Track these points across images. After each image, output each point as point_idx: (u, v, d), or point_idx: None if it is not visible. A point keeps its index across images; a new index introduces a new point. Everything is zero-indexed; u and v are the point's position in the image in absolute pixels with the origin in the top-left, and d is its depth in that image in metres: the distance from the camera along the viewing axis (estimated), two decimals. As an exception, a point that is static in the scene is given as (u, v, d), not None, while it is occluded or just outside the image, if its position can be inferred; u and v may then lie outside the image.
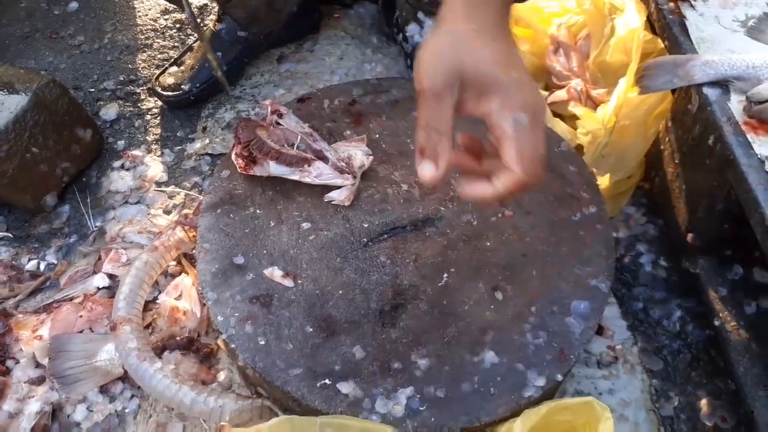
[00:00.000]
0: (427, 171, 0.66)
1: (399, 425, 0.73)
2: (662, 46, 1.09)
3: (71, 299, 1.06)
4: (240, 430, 0.72)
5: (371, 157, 0.97)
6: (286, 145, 0.95)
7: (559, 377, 0.77)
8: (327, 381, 0.77)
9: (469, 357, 0.79)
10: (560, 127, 1.16)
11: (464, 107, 0.65)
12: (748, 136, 0.85)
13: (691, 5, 1.05)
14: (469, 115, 0.66)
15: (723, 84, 0.92)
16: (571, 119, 1.21)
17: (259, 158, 0.93)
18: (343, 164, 0.93)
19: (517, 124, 0.62)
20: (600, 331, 1.00)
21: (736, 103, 0.89)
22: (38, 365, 1.00)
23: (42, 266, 1.14)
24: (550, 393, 0.80)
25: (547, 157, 0.92)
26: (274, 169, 0.94)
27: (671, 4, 1.06)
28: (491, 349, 0.79)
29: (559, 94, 1.24)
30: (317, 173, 0.93)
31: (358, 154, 0.96)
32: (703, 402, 0.92)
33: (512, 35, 0.68)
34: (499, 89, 0.63)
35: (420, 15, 1.33)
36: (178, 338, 0.99)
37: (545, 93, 1.25)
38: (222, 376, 0.98)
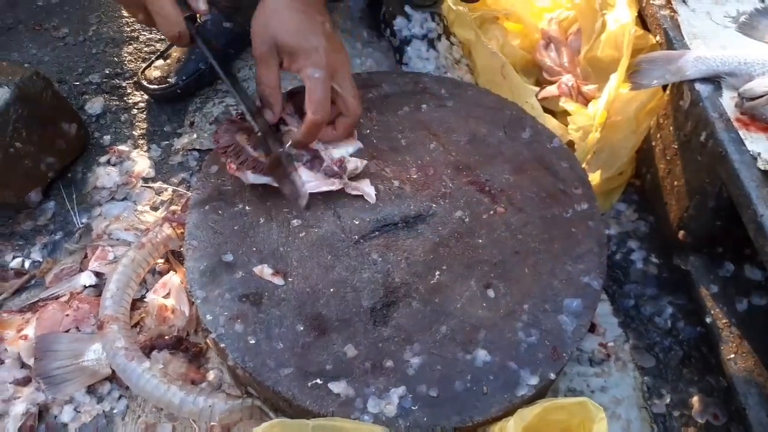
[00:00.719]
0: (267, 116, 0.91)
1: (391, 425, 0.72)
2: (654, 41, 1.09)
3: (57, 298, 1.04)
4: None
5: (365, 161, 0.95)
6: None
7: (552, 376, 0.76)
8: (318, 381, 0.76)
9: (461, 355, 0.78)
10: (551, 122, 1.16)
11: (285, 66, 0.89)
12: (740, 133, 0.84)
13: (683, 1, 1.05)
14: (290, 71, 0.89)
15: (715, 80, 0.92)
16: (562, 115, 1.21)
17: (239, 169, 0.90)
18: (336, 167, 0.91)
19: (310, 77, 0.85)
20: (592, 328, 1.00)
21: (728, 100, 0.89)
22: (24, 365, 0.98)
23: (27, 264, 1.12)
24: (543, 392, 0.79)
25: (539, 153, 0.94)
26: (253, 179, 0.91)
27: (663, 0, 1.06)
28: (484, 347, 0.78)
29: (550, 90, 1.24)
30: (301, 183, 0.91)
31: (351, 158, 0.94)
32: (695, 399, 0.93)
33: (322, 5, 0.90)
34: (301, 52, 0.86)
35: (407, 8, 1.31)
36: (166, 337, 0.98)
37: (536, 89, 1.25)
38: (212, 375, 0.96)
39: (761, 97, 0.84)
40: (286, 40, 0.86)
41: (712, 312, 0.91)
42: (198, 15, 0.93)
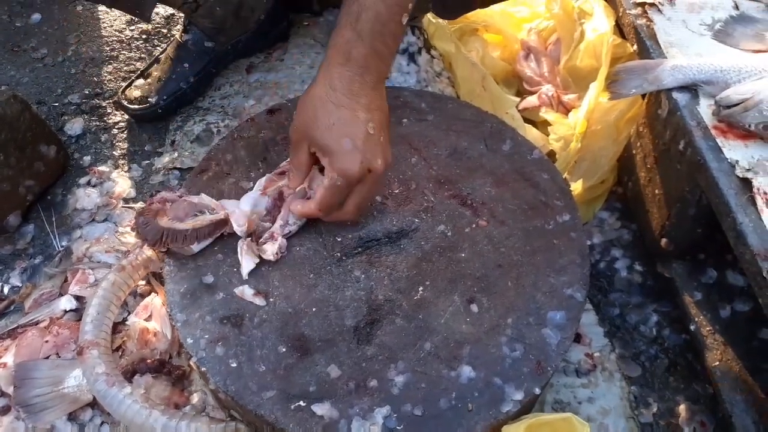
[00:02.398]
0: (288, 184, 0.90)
1: (376, 446, 0.72)
2: (631, 50, 1.09)
3: (37, 323, 1.03)
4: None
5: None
6: (197, 213, 0.89)
7: (537, 390, 0.76)
8: (301, 403, 0.75)
9: (446, 372, 0.77)
10: (532, 133, 1.16)
11: (318, 156, 0.84)
12: (718, 141, 0.85)
13: (659, 10, 1.05)
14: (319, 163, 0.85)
15: (692, 88, 0.92)
16: (543, 125, 1.21)
17: (180, 248, 0.88)
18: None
19: (331, 180, 0.81)
20: (578, 338, 0.99)
21: (705, 108, 0.90)
22: (3, 394, 0.96)
23: (6, 289, 1.10)
24: (528, 406, 0.79)
25: (520, 165, 0.93)
26: (197, 248, 0.88)
27: (639, 9, 1.07)
28: (468, 363, 0.78)
29: (531, 100, 1.24)
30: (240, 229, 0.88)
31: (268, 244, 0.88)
32: (682, 407, 0.92)
33: (374, 99, 0.82)
34: (329, 154, 0.81)
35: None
36: (148, 361, 0.96)
37: (517, 99, 1.25)
38: (195, 398, 0.95)
39: (737, 104, 0.85)
40: (316, 137, 0.81)
41: (696, 319, 0.91)
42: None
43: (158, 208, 0.89)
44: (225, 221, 0.88)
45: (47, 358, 0.98)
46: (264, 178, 0.93)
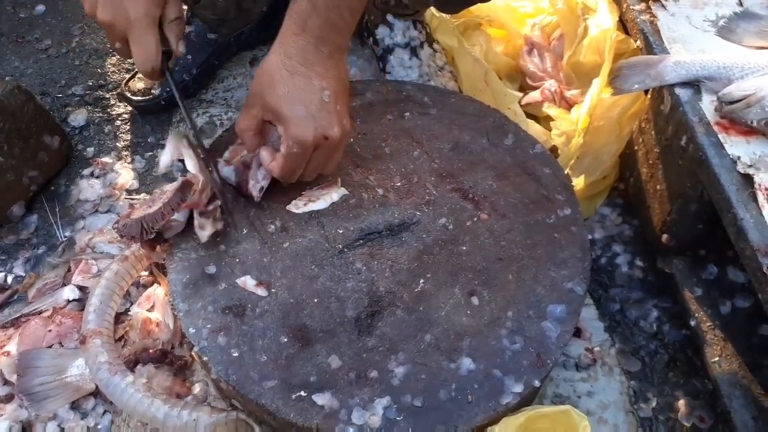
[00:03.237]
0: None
1: (377, 438, 0.72)
2: (635, 45, 1.09)
3: (40, 313, 1.03)
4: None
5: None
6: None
7: (537, 383, 0.76)
8: (302, 393, 0.76)
9: (446, 364, 0.78)
10: (534, 128, 1.16)
11: (273, 123, 0.85)
12: (720, 137, 0.85)
13: (663, 5, 1.05)
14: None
15: (695, 84, 0.92)
16: (546, 120, 1.21)
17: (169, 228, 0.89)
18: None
19: (289, 148, 0.82)
20: (578, 333, 1.00)
21: (707, 104, 0.90)
22: (6, 382, 0.96)
23: (9, 279, 1.11)
24: (528, 399, 0.79)
25: (522, 160, 0.93)
26: (205, 234, 0.88)
27: (642, 5, 1.06)
28: (468, 355, 0.78)
29: (534, 95, 1.25)
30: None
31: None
32: (681, 402, 0.92)
33: (329, 67, 0.83)
34: (283, 122, 0.82)
35: (389, 17, 1.31)
36: (151, 351, 0.97)
37: (520, 94, 1.25)
38: (197, 388, 0.96)
39: (740, 101, 0.85)
40: (271, 104, 0.82)
41: (697, 315, 0.92)
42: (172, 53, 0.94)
43: (130, 211, 0.93)
44: (189, 183, 0.89)
45: (50, 347, 0.98)
46: (228, 150, 0.97)
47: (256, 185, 0.91)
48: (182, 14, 0.93)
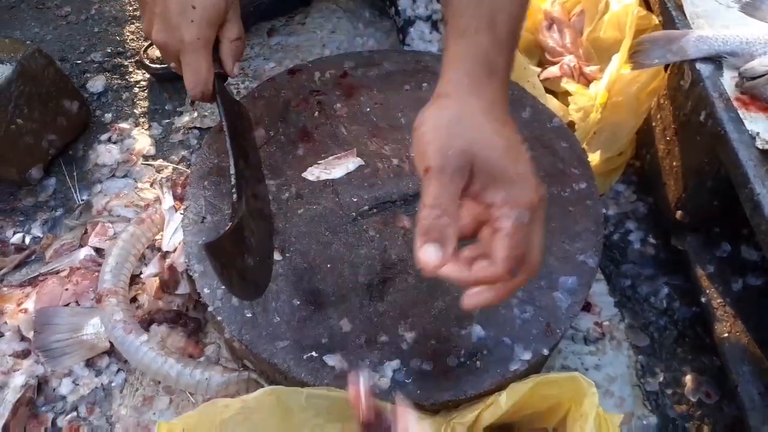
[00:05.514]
0: (431, 255, 0.58)
1: (385, 398, 0.73)
2: (656, 21, 1.08)
3: (57, 273, 1.05)
4: (226, 400, 0.72)
5: None
6: None
7: (546, 351, 0.77)
8: (313, 353, 0.77)
9: (456, 330, 0.79)
10: (552, 103, 1.15)
11: (468, 191, 0.60)
12: (740, 112, 0.84)
13: (686, -20, 1.03)
14: (471, 199, 0.61)
15: (716, 60, 0.91)
16: (564, 95, 1.20)
17: None
18: None
19: (518, 222, 0.58)
20: (587, 307, 1.00)
21: (728, 79, 0.88)
22: (23, 338, 0.99)
23: (27, 239, 1.13)
24: (536, 367, 0.80)
25: (539, 133, 0.91)
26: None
27: (666, -21, 1.05)
28: (478, 323, 0.79)
29: (552, 71, 1.23)
30: None
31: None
32: (688, 377, 0.93)
33: (513, 120, 0.65)
34: (507, 183, 0.59)
35: (412, -13, 1.31)
36: (165, 312, 0.98)
37: (538, 69, 1.24)
38: (210, 350, 0.97)
39: (762, 76, 0.84)
40: (491, 160, 0.58)
41: (708, 292, 0.91)
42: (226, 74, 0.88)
43: None
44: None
45: (67, 305, 1.00)
46: None
47: None
48: (243, 35, 0.88)
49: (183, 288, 0.98)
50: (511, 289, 0.61)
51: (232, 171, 0.77)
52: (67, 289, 1.01)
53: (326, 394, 0.71)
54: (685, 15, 0.99)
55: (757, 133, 0.81)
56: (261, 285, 0.78)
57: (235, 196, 0.76)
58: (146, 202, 1.14)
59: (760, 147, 0.80)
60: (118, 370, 0.97)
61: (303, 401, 0.72)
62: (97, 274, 1.02)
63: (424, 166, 0.60)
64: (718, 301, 0.90)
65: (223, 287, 0.81)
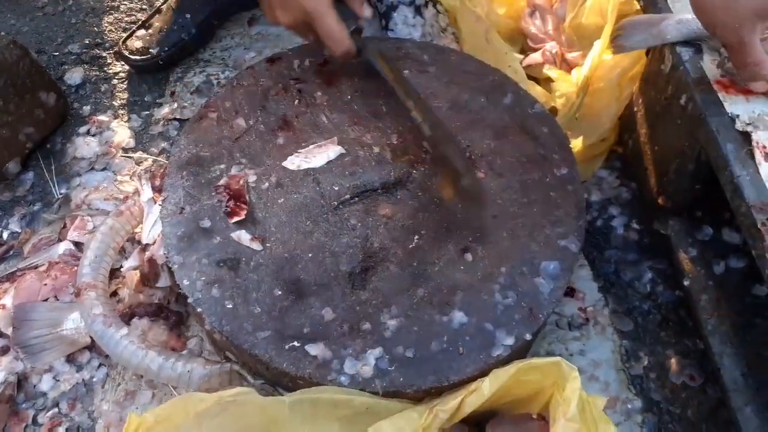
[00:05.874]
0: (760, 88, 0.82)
1: (368, 385, 0.73)
2: (638, 7, 1.07)
3: (35, 267, 1.03)
4: (201, 395, 0.71)
5: None
6: None
7: (528, 336, 0.77)
8: (295, 343, 0.76)
9: (438, 317, 0.78)
10: (535, 90, 1.15)
11: None
12: (720, 95, 0.84)
13: (666, -36, 1.03)
14: None
15: (696, 43, 0.91)
16: (546, 82, 1.20)
17: None
18: None
19: None
20: (571, 293, 1.00)
21: (708, 62, 0.88)
22: (2, 335, 0.97)
23: (5, 235, 1.11)
24: (520, 352, 0.79)
25: (520, 119, 0.91)
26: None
27: (646, -37, 1.04)
28: (460, 309, 0.78)
29: (534, 57, 1.23)
30: None
31: None
32: (672, 361, 0.93)
33: None
34: None
35: (392, -27, 1.29)
36: (146, 305, 0.97)
37: (520, 56, 1.24)
38: (192, 343, 0.96)
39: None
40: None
41: (690, 275, 0.91)
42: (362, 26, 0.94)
43: None
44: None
45: (46, 300, 0.99)
46: None
47: None
48: None
49: (164, 281, 0.97)
50: None
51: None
52: (45, 284, 1.00)
53: (310, 398, 0.70)
54: (665, -1, 0.98)
55: (737, 116, 0.81)
56: None
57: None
58: (125, 195, 1.12)
59: (740, 129, 0.80)
60: (100, 365, 0.96)
61: (287, 411, 0.71)
62: (76, 268, 1.01)
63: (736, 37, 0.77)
64: (701, 284, 0.90)
65: (203, 279, 0.81)
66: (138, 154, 1.21)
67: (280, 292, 0.80)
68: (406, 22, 1.28)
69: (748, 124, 0.80)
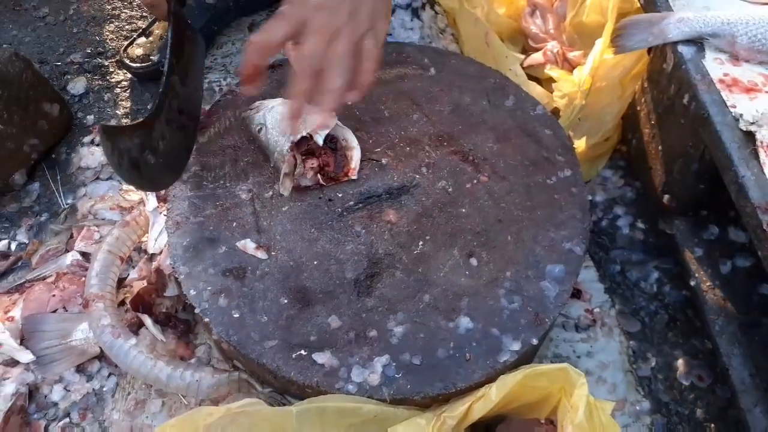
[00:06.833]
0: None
1: (375, 393, 0.73)
2: (638, 5, 1.07)
3: (44, 279, 1.04)
4: (210, 408, 0.71)
5: None
6: None
7: (535, 341, 0.77)
8: (302, 352, 0.76)
9: (444, 323, 0.78)
10: (536, 90, 1.15)
11: None
12: (723, 94, 0.84)
13: (667, -38, 1.02)
14: None
15: (698, 42, 0.91)
16: (548, 82, 1.19)
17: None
18: None
19: None
20: (578, 294, 1.00)
21: (711, 61, 0.88)
22: (13, 346, 0.98)
23: (12, 246, 1.12)
24: (526, 357, 0.80)
25: (523, 121, 0.91)
26: None
27: (647, -39, 1.04)
28: (466, 314, 0.78)
29: (536, 57, 1.23)
30: None
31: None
32: (680, 362, 0.93)
33: None
34: None
35: (392, -22, 1.29)
36: (155, 314, 0.98)
37: (521, 56, 1.23)
38: (201, 351, 0.97)
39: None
40: None
41: (697, 275, 0.91)
42: None
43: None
44: None
45: (54, 311, 0.99)
46: None
47: None
48: None
49: (171, 290, 0.97)
50: None
51: (163, 81, 0.86)
52: (54, 295, 1.01)
53: (317, 407, 0.71)
54: (666, -3, 0.98)
55: (741, 115, 0.81)
56: (159, 183, 0.90)
57: (158, 101, 0.84)
58: (131, 204, 1.13)
59: (744, 128, 0.79)
60: (110, 375, 0.97)
61: (294, 421, 0.71)
62: (84, 278, 1.02)
63: None
64: (708, 284, 0.90)
65: (210, 288, 0.81)
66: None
67: (286, 301, 0.81)
68: (403, 26, 1.28)
69: (752, 123, 0.79)
